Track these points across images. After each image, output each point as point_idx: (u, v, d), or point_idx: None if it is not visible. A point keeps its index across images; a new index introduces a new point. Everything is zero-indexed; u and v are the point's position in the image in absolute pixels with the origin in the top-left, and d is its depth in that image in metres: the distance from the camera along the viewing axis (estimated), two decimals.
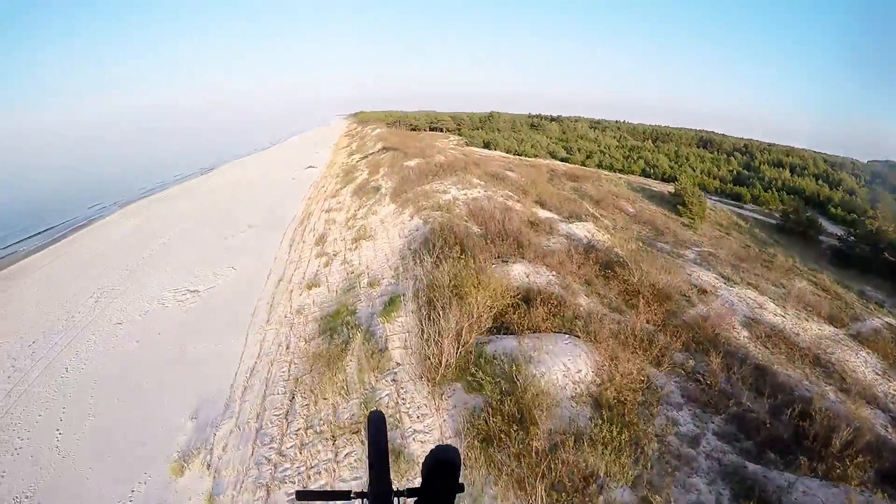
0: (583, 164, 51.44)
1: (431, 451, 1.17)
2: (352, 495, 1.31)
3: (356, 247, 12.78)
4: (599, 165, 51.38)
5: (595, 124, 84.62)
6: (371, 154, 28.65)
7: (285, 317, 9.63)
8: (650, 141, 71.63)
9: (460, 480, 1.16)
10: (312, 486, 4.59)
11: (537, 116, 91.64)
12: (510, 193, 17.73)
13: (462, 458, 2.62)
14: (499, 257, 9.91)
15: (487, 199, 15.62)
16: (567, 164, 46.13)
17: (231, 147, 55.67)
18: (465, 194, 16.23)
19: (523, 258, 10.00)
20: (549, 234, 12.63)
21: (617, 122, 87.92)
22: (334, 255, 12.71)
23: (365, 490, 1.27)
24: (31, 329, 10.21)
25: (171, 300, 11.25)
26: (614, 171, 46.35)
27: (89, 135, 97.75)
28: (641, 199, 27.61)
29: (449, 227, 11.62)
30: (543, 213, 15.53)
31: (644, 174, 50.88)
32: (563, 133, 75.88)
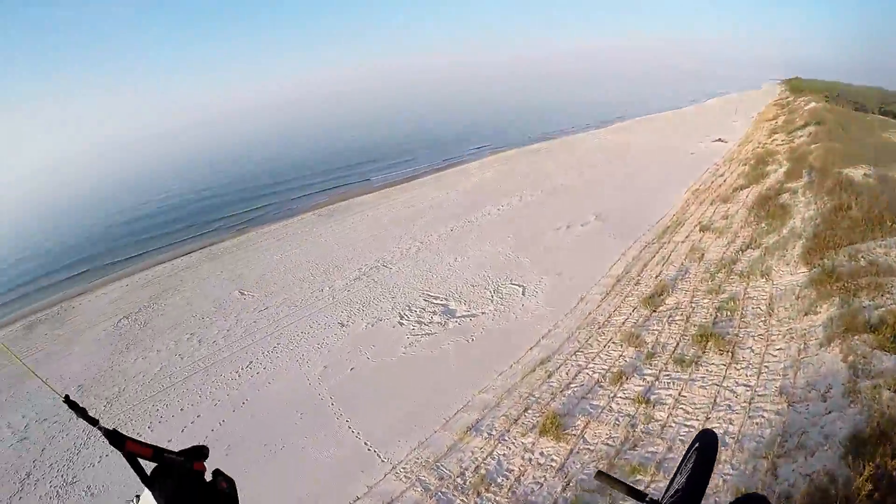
0: None
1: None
2: (646, 500, 1.29)
3: (693, 363, 5.83)
4: None
5: None
6: (797, 140, 19.02)
7: None
8: None
9: None
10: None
11: None
12: None
13: None
14: None
15: None
16: None
17: (640, 100, 49.68)
18: None
19: None
20: None
21: None
22: (654, 353, 6.36)
23: (659, 499, 1.25)
24: None
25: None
26: None
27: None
28: None
29: None
30: None
31: None
32: None
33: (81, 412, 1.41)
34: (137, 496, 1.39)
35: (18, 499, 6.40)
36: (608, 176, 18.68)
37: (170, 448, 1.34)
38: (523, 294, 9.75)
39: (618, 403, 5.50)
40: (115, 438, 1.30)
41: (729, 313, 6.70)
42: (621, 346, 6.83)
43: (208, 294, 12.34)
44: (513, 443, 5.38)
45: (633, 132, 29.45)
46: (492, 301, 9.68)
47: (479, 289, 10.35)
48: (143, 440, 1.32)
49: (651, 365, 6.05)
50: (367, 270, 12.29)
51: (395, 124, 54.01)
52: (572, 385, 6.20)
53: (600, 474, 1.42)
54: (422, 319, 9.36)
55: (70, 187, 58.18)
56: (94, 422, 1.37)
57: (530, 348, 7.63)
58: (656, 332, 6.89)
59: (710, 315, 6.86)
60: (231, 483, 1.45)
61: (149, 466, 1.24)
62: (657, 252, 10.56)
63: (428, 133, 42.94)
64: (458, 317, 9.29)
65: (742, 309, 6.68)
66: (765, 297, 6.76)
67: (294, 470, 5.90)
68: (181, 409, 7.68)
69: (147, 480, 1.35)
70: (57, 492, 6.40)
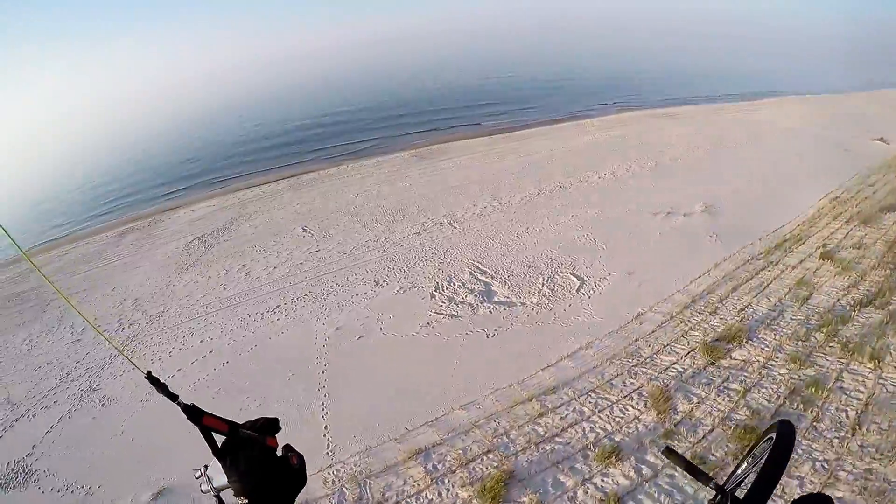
0: None
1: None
2: (711, 485, 1.35)
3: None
4: None
5: None
6: None
7: None
8: None
9: None
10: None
11: None
12: None
13: None
14: None
15: None
16: None
17: (801, 75, 37.25)
18: None
19: None
20: None
21: None
22: (676, 432, 4.06)
23: (723, 484, 1.34)
24: None
25: None
26: None
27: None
28: None
29: None
30: None
31: None
32: None
33: (162, 388, 1.49)
34: (206, 466, 1.50)
35: (54, 393, 7.01)
36: (736, 160, 14.47)
37: (242, 423, 1.47)
38: (578, 290, 7.77)
39: (585, 493, 3.83)
40: (193, 413, 1.44)
41: (802, 405, 4.36)
42: (644, 404, 4.81)
43: (274, 225, 12.55)
44: (447, 490, 4.08)
45: (781, 111, 22.78)
46: (539, 291, 7.89)
47: (533, 272, 8.60)
48: (218, 415, 1.45)
49: (661, 450, 4.09)
50: (431, 226, 11.22)
51: (538, 68, 50.26)
52: (555, 440, 4.51)
53: (669, 451, 1.55)
54: (455, 296, 8.07)
55: (197, 109, 63.32)
56: (174, 397, 1.48)
57: (544, 368, 5.91)
58: (696, 400, 4.74)
59: (775, 398, 4.57)
60: (301, 459, 1.56)
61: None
62: (757, 274, 7.58)
63: (567, 81, 38.86)
64: (495, 302, 7.77)
65: (822, 405, 4.33)
66: (860, 396, 4.33)
67: None
68: (201, 341, 7.75)
69: (219, 453, 1.45)
70: (80, 395, 6.85)
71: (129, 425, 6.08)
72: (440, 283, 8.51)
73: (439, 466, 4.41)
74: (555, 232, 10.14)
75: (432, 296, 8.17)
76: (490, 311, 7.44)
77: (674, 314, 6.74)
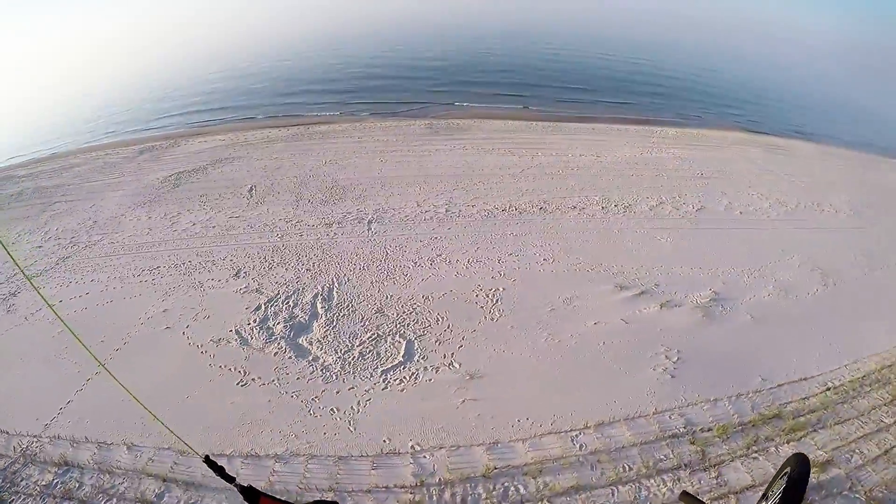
0: None
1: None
2: None
3: None
4: None
5: None
6: None
7: None
8: None
9: None
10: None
11: None
12: None
13: None
14: None
15: None
16: None
17: None
18: None
19: None
20: None
21: None
22: None
23: None
24: None
25: None
26: None
27: None
28: None
29: None
30: None
31: None
32: None
33: (219, 470, 1.60)
34: None
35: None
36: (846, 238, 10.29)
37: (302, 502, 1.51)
38: (390, 370, 6.93)
39: None
40: (250, 494, 1.49)
41: None
42: None
43: (233, 178, 13.25)
44: None
45: None
46: (348, 349, 7.32)
47: (370, 323, 7.93)
48: (276, 496, 1.54)
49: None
50: (346, 222, 10.84)
51: (662, 59, 40.29)
52: None
53: (685, 495, 1.66)
54: (268, 319, 7.95)
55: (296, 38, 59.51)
56: (230, 479, 1.58)
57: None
58: None
59: None
60: None
61: None
62: None
63: (685, 80, 30.80)
64: (295, 343, 7.45)
65: None
66: None
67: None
68: (91, 280, 9.06)
69: None
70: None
71: None
72: (278, 296, 8.40)
73: None
74: (455, 278, 8.95)
75: (257, 308, 8.16)
76: (274, 354, 7.18)
77: None
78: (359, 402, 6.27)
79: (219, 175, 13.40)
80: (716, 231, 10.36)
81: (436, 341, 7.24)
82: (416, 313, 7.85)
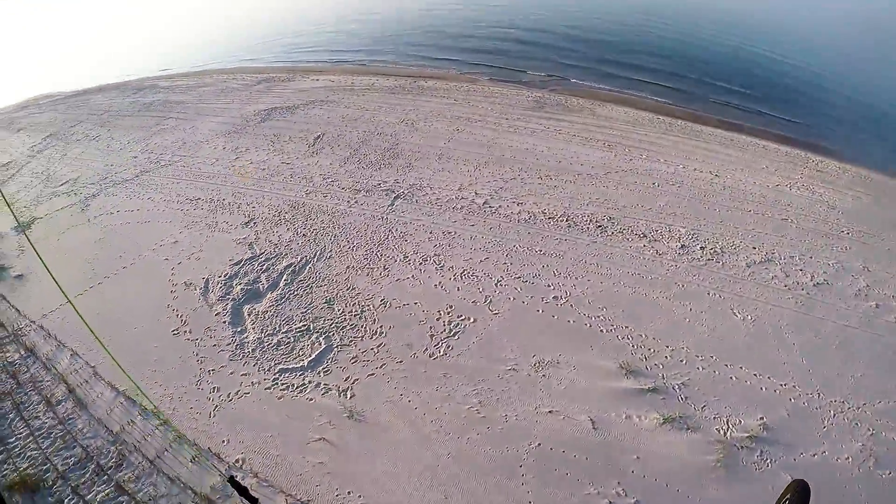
0: None
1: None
2: None
3: None
4: None
5: None
6: None
7: None
8: None
9: None
10: None
11: None
12: None
13: None
14: None
15: None
16: None
17: None
18: None
19: None
20: None
21: None
22: None
23: None
24: None
25: None
26: None
27: None
28: None
29: None
30: None
31: None
32: None
33: (243, 491, 1.63)
34: None
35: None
36: None
37: None
38: (286, 373, 6.65)
39: None
40: None
41: None
42: None
43: (313, 123, 14.11)
44: None
45: None
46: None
47: (304, 333, 7.60)
48: None
49: None
50: (380, 190, 10.54)
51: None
52: None
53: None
54: (236, 286, 8.21)
55: None
56: (254, 501, 1.62)
57: None
58: None
59: None
60: None
61: None
62: None
63: None
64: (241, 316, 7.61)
65: None
66: None
67: None
68: (149, 199, 10.72)
69: None
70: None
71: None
72: (260, 255, 8.67)
73: None
74: (431, 289, 8.00)
75: (237, 262, 8.59)
76: (216, 314, 7.69)
77: None
78: (238, 391, 6.63)
79: (302, 117, 14.35)
80: (828, 323, 6.96)
81: (352, 358, 6.76)
82: (361, 318, 7.60)
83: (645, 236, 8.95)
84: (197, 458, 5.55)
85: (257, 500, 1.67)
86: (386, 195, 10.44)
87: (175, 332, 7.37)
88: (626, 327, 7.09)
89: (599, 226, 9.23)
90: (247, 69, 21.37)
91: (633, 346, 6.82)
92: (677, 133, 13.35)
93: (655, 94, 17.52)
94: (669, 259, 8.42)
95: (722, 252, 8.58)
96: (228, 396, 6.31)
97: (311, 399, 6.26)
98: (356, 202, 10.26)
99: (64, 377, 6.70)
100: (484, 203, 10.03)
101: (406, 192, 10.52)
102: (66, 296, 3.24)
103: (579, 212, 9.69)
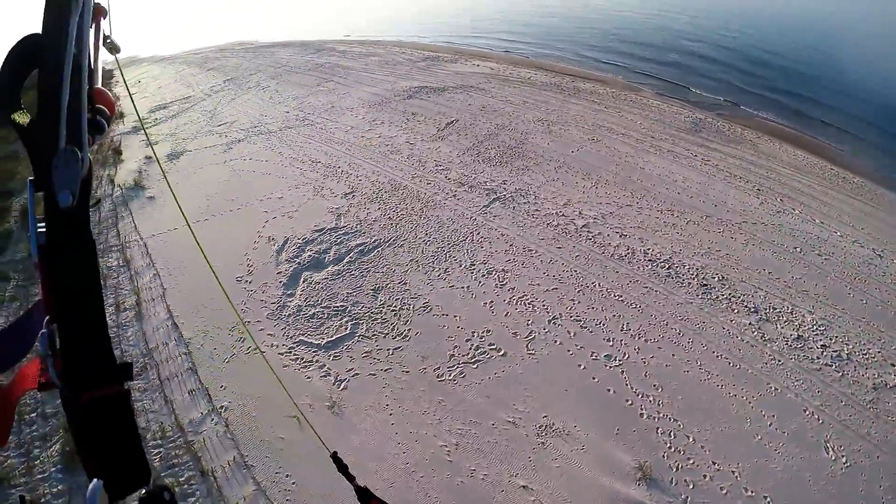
0: None
1: None
2: None
3: None
4: None
5: None
6: None
7: None
8: None
9: None
10: None
11: None
12: None
13: None
14: None
15: None
16: None
17: None
18: None
19: None
20: None
21: None
22: None
23: None
24: None
25: None
26: None
27: None
28: None
29: None
30: None
31: None
32: None
33: (343, 468, 1.93)
34: None
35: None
36: None
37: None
38: (301, 346, 6.68)
39: None
40: (364, 495, 1.78)
41: None
42: None
43: (451, 108, 14.00)
44: None
45: None
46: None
47: (339, 314, 7.48)
48: (386, 500, 1.76)
49: None
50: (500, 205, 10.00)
51: None
52: None
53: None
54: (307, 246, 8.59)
55: None
56: (351, 478, 1.87)
57: None
58: None
59: None
60: None
61: None
62: None
63: None
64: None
65: None
66: None
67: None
68: (299, 148, 12.01)
69: None
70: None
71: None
72: (342, 227, 9.00)
73: None
74: (479, 306, 7.34)
75: (319, 230, 9.01)
76: (277, 273, 8.12)
77: None
78: (257, 348, 6.96)
79: (446, 100, 14.59)
80: None
81: (365, 353, 6.85)
82: (396, 315, 7.68)
83: (756, 312, 6.84)
84: (194, 392, 6.01)
85: (354, 477, 1.73)
86: (486, 195, 9.88)
87: (238, 278, 8.18)
88: (675, 421, 5.58)
89: (705, 284, 7.31)
90: (418, 45, 22.61)
91: (669, 447, 5.35)
92: (848, 191, 9.98)
93: (840, 142, 13.16)
94: (775, 349, 6.26)
95: (848, 359, 6.15)
96: (246, 350, 6.75)
97: (309, 378, 6.46)
98: (454, 196, 9.90)
99: (138, 291, 7.90)
100: (583, 226, 8.76)
101: (508, 196, 9.81)
102: (187, 221, 3.62)
103: (688, 261, 7.77)
